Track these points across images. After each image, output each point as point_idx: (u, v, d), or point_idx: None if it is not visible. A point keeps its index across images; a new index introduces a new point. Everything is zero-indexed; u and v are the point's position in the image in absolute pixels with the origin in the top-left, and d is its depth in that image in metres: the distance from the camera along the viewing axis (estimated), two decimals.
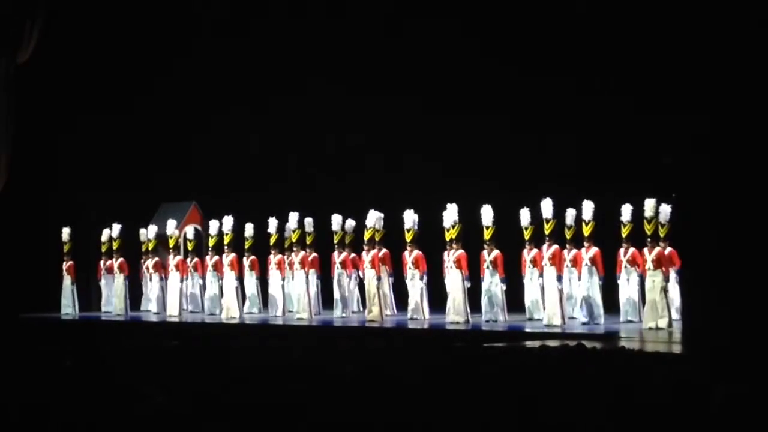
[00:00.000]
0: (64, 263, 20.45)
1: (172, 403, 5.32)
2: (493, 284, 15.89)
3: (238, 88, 20.79)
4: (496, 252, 15.91)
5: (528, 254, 15.81)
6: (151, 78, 21.15)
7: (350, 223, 18.02)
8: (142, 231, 20.39)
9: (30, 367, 8.09)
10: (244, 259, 18.93)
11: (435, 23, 18.43)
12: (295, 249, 18.12)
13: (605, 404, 6.33)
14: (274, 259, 18.45)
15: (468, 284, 15.94)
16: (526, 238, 15.72)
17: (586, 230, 15.46)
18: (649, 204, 14.90)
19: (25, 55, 19.76)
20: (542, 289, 15.49)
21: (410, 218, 16.69)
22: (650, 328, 14.41)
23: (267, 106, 20.78)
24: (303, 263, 18.00)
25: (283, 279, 18.35)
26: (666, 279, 14.77)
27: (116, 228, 20.29)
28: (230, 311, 18.44)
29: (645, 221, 14.91)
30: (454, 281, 15.98)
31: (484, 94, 18.15)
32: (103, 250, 20.43)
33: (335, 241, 17.95)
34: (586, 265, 15.48)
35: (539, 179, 16.99)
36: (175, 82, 21.07)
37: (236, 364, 8.33)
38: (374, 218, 17.08)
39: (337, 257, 17.99)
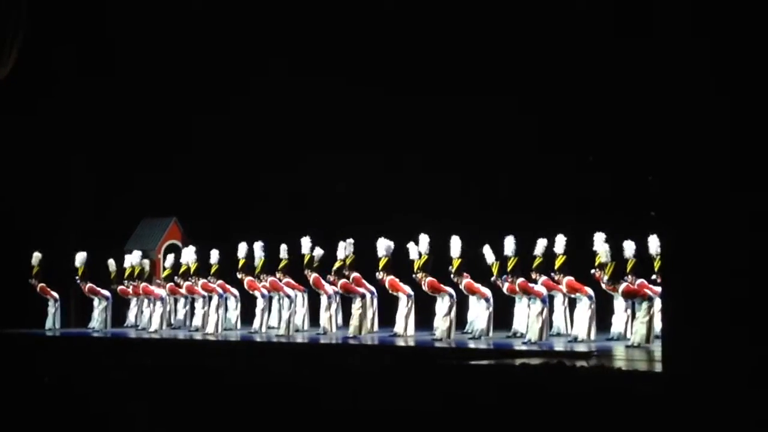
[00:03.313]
0: (36, 286, 20.24)
1: (154, 425, 5.30)
2: (478, 306, 16.00)
3: (216, 107, 20.79)
4: (466, 280, 15.96)
5: (502, 285, 15.90)
6: (135, 96, 21.14)
7: (319, 252, 18.00)
8: (127, 257, 20.12)
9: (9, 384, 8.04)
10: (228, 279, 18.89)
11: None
12: (279, 273, 18.07)
13: (587, 422, 6.36)
14: (258, 278, 18.42)
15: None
16: (494, 272, 15.87)
17: (558, 262, 15.66)
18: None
19: (4, 71, 19.68)
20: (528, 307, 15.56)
21: (383, 246, 16.75)
22: (630, 346, 14.46)
23: (246, 127, 20.77)
24: (287, 282, 18.00)
25: (264, 297, 18.32)
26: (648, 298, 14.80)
27: (81, 256, 19.94)
28: (210, 329, 18.38)
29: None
30: (441, 301, 16.07)
31: (458, 128, 18.36)
32: (79, 273, 20.11)
33: (305, 263, 17.92)
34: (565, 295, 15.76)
35: (511, 211, 17.22)
36: (154, 99, 21.04)
37: (216, 382, 8.31)
38: (345, 247, 17.30)
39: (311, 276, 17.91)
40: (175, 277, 19.21)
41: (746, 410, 6.76)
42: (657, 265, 14.71)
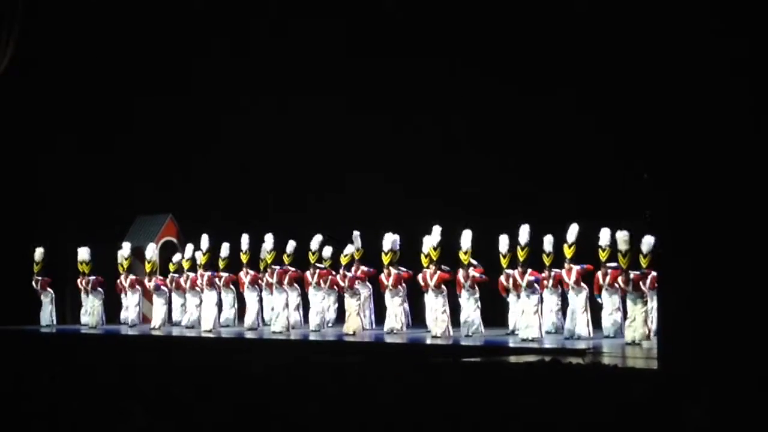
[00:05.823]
0: (40, 281, 20.28)
1: (153, 422, 5.32)
2: (464, 300, 15.88)
3: (215, 105, 20.73)
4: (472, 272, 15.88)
5: (506, 281, 15.75)
6: (131, 96, 21.10)
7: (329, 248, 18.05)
8: (120, 252, 20.12)
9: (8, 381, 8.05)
10: (220, 275, 18.82)
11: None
12: (270, 269, 18.01)
13: (581, 420, 6.38)
14: (249, 274, 18.37)
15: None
16: (504, 265, 15.67)
17: (568, 252, 15.38)
18: (605, 234, 14.98)
19: (2, 64, 19.67)
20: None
21: (389, 240, 16.70)
22: (629, 343, 14.47)
23: (247, 126, 20.72)
24: (280, 278, 17.93)
25: (259, 293, 18.31)
26: (642, 296, 14.76)
27: (84, 250, 19.85)
28: (206, 325, 18.37)
29: (619, 254, 14.94)
30: (433, 299, 16.05)
31: (471, 121, 18.31)
32: (79, 269, 20.12)
33: (313, 261, 17.79)
34: (573, 288, 15.43)
35: (519, 203, 17.12)
36: (152, 98, 21.02)
37: (212, 379, 8.32)
38: (358, 240, 17.22)
39: (313, 273, 17.85)
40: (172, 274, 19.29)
41: (744, 409, 6.79)
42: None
